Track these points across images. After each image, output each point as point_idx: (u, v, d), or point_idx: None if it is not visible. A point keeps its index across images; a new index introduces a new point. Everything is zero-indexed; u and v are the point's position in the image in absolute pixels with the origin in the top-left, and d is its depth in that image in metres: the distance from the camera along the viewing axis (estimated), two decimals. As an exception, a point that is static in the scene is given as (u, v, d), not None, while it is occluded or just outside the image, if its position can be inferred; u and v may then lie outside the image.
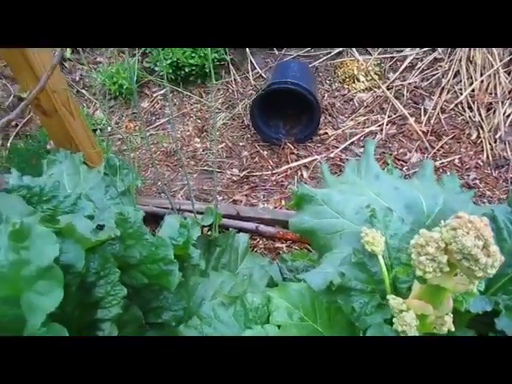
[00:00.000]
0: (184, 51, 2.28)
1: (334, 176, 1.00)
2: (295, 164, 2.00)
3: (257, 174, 2.00)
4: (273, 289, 0.91)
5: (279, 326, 0.84)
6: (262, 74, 2.43)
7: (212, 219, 1.20)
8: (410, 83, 2.28)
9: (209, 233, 1.42)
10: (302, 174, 1.96)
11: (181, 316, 0.94)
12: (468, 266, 0.50)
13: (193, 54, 2.29)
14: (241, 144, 2.16)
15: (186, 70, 2.31)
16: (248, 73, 2.44)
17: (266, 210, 1.61)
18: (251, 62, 2.47)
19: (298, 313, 0.87)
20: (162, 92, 2.42)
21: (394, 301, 0.64)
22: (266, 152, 2.10)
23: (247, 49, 2.46)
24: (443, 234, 0.51)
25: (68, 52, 2.61)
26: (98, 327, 0.73)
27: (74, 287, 0.69)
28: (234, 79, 2.43)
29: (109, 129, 2.33)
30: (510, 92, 2.13)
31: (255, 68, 2.45)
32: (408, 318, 0.61)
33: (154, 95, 2.42)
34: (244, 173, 2.01)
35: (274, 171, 2.00)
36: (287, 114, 2.21)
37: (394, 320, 0.63)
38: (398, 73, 2.33)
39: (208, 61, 2.32)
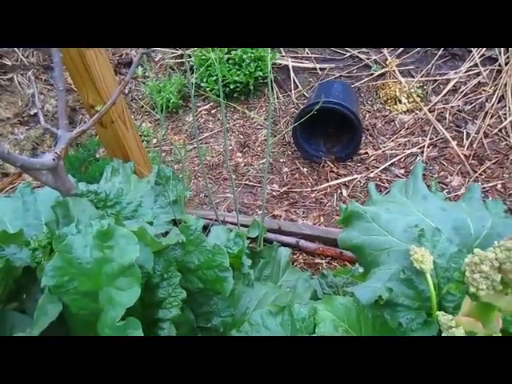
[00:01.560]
0: (230, 68, 2.38)
1: (380, 195, 1.04)
2: (335, 182, 2.05)
3: (296, 190, 2.05)
4: (319, 301, 0.96)
5: (325, 337, 0.88)
6: (305, 93, 2.49)
7: (258, 232, 1.25)
8: (452, 106, 2.29)
9: (251, 245, 1.47)
10: (341, 193, 2.00)
11: (228, 322, 0.99)
12: (522, 285, 0.53)
13: (238, 72, 2.38)
14: (281, 160, 2.22)
15: (231, 86, 2.41)
16: (290, 91, 2.51)
17: (306, 226, 1.66)
18: (294, 80, 2.54)
19: (344, 325, 0.91)
20: (206, 107, 2.52)
21: (443, 317, 0.67)
22: (306, 169, 2.16)
23: (290, 68, 2.53)
24: (497, 254, 0.55)
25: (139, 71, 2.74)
26: (159, 326, 0.79)
27: (141, 287, 0.76)
28: (277, 97, 2.50)
29: (154, 141, 2.44)
30: (555, 118, 2.12)
31: (298, 87, 2.52)
32: (457, 333, 0.64)
33: (199, 109, 2.52)
34: (284, 188, 2.06)
35: (313, 188, 2.04)
36: (328, 132, 2.26)
37: (442, 335, 0.66)
38: (440, 95, 2.35)
39: (252, 78, 2.41)
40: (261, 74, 2.42)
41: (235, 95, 2.46)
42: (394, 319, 0.81)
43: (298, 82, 2.54)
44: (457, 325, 0.66)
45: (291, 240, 1.58)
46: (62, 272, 0.66)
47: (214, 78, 2.40)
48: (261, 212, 1.95)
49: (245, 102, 2.49)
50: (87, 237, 0.66)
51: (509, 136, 2.12)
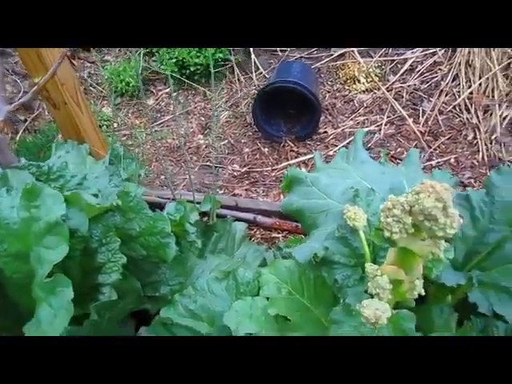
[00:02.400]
0: (189, 51, 2.37)
1: (324, 163, 1.07)
2: (295, 161, 2.07)
3: (257, 169, 2.07)
4: (264, 267, 0.98)
5: (268, 299, 0.90)
6: (266, 75, 2.50)
7: (210, 205, 1.26)
8: (409, 85, 2.34)
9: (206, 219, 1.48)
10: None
11: (177, 290, 1.01)
12: (429, 226, 0.56)
13: (198, 54, 2.37)
14: (243, 141, 2.23)
15: (191, 69, 2.39)
16: (252, 73, 2.51)
17: (263, 202, 1.68)
18: (255, 62, 2.54)
19: (287, 287, 0.93)
20: (167, 90, 2.50)
21: (370, 267, 0.70)
22: (266, 149, 2.17)
23: (251, 50, 2.53)
24: (408, 198, 0.57)
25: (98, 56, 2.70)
26: (100, 291, 0.80)
27: (79, 252, 0.76)
28: (238, 79, 2.50)
29: (115, 125, 2.41)
30: (507, 95, 2.19)
31: (259, 69, 2.53)
32: (381, 281, 0.67)
33: (160, 93, 2.51)
34: (245, 168, 2.08)
35: (274, 167, 2.06)
36: (288, 113, 2.28)
37: (368, 284, 0.69)
38: (398, 75, 2.39)
39: (212, 60, 2.40)
40: (221, 55, 2.42)
41: (196, 78, 2.45)
42: (331, 277, 0.84)
43: (259, 64, 2.55)
44: (381, 274, 0.69)
45: (248, 216, 1.59)
46: (-11, 233, 0.66)
47: (174, 60, 2.38)
48: (222, 192, 1.97)
49: (206, 84, 2.49)
50: (15, 198, 0.66)
51: (462, 113, 2.18)
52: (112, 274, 0.80)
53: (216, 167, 1.98)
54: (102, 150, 1.78)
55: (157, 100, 2.48)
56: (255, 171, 2.07)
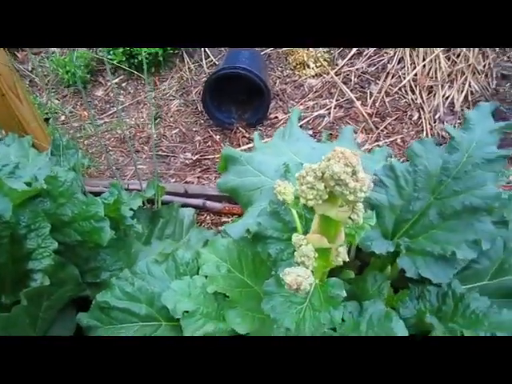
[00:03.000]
0: (137, 39, 2.32)
1: (262, 142, 1.08)
2: (246, 147, 2.08)
3: (209, 157, 2.07)
4: (203, 247, 0.99)
5: (207, 277, 0.91)
6: (216, 62, 2.49)
7: (153, 191, 1.26)
8: (357, 69, 2.39)
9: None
10: (252, 156, 2.04)
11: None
12: (341, 191, 0.58)
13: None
14: (194, 129, 2.22)
15: (140, 58, 2.35)
16: (202, 61, 2.50)
17: (213, 188, 1.68)
18: (205, 50, 2.53)
19: (226, 265, 0.94)
20: (116, 80, 2.46)
21: (296, 237, 0.72)
22: (218, 136, 2.17)
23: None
24: (320, 165, 0.59)
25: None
26: (31, 277, 0.78)
27: (6, 239, 0.75)
28: (189, 67, 2.48)
29: (63, 117, 2.35)
30: (449, 75, 2.26)
31: (209, 56, 2.52)
32: (306, 250, 0.69)
33: (108, 84, 2.45)
34: (197, 156, 2.07)
35: (225, 154, 2.07)
36: (239, 99, 2.28)
37: (295, 254, 0.71)
38: (346, 59, 2.43)
39: (161, 49, 2.37)
40: (169, 43, 2.38)
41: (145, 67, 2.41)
42: (265, 251, 0.85)
43: (209, 52, 2.53)
44: (307, 243, 0.71)
45: (198, 202, 1.60)
46: None
47: (121, 49, 2.34)
48: (174, 180, 1.95)
49: (156, 73, 2.46)
50: None
51: (407, 94, 2.25)
52: (43, 259, 0.78)
53: (169, 156, 1.96)
54: (46, 143, 1.73)
55: (106, 91, 2.43)
56: (207, 158, 2.07)
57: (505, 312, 0.81)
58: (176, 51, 2.47)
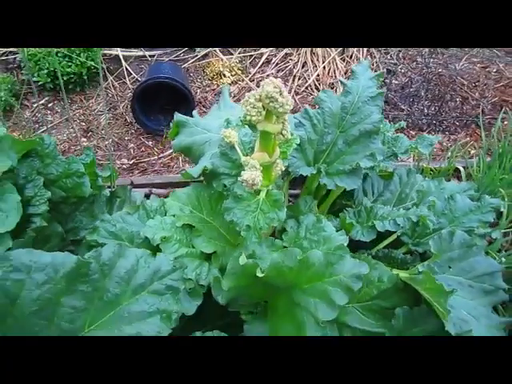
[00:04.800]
0: (60, 61, 2.50)
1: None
2: (178, 148, 2.33)
3: (145, 160, 2.29)
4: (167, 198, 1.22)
5: (174, 216, 1.15)
6: (138, 79, 2.73)
7: (109, 172, 1.45)
8: (268, 75, 2.76)
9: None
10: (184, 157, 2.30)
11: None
12: (273, 105, 0.87)
13: (69, 63, 2.52)
14: (126, 138, 2.42)
15: (65, 78, 2.53)
16: (125, 78, 2.73)
17: (156, 176, 1.90)
18: (126, 68, 2.76)
19: (188, 208, 1.19)
20: (42, 101, 2.60)
21: (244, 158, 0.99)
22: (150, 142, 2.40)
23: (121, 56, 2.75)
24: (259, 90, 0.88)
25: None
26: (31, 220, 0.97)
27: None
28: (113, 85, 2.70)
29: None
30: (345, 73, 2.71)
31: (131, 73, 2.75)
32: (252, 162, 0.96)
33: (35, 105, 2.59)
34: (133, 161, 2.28)
35: (159, 156, 2.30)
36: (165, 109, 2.54)
37: (243, 171, 0.97)
38: (257, 67, 2.80)
39: (85, 68, 2.57)
40: (93, 63, 2.59)
41: (70, 87, 2.59)
42: (219, 185, 1.11)
43: (130, 70, 2.77)
44: (252, 159, 0.98)
45: (144, 190, 1.80)
46: None
47: (45, 71, 2.50)
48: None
49: (81, 92, 2.64)
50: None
51: (313, 91, 2.65)
52: (40, 206, 0.97)
53: (104, 163, 2.15)
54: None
55: (33, 112, 2.56)
56: (143, 161, 2.28)
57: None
58: (98, 71, 2.68)
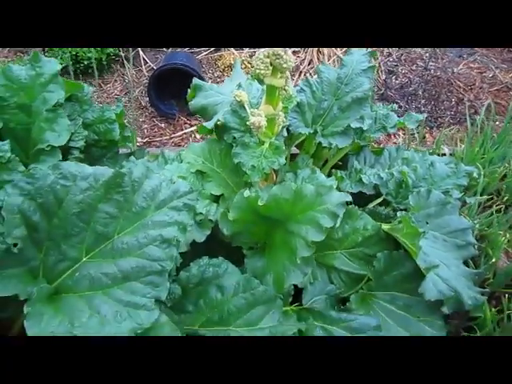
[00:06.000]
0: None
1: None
2: (189, 130, 2.55)
3: (157, 139, 2.50)
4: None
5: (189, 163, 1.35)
6: (154, 67, 2.96)
7: (130, 133, 1.66)
8: (275, 69, 2.98)
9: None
10: (195, 136, 2.51)
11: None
12: (279, 62, 1.07)
13: (90, 48, 2.75)
14: (141, 120, 2.64)
15: (85, 62, 2.76)
16: (141, 66, 2.96)
17: (170, 148, 2.12)
18: (143, 58, 2.99)
19: (200, 159, 1.39)
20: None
21: (251, 110, 1.19)
22: (163, 124, 2.62)
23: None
24: (265, 51, 1.08)
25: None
26: (71, 152, 1.17)
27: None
28: (129, 72, 2.92)
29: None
30: (348, 71, 2.93)
31: (147, 62, 2.98)
32: (258, 112, 1.16)
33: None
34: (146, 139, 2.49)
35: (171, 136, 2.51)
36: (178, 95, 2.75)
37: (249, 118, 1.17)
38: (266, 62, 3.02)
39: (104, 54, 2.80)
40: (112, 50, 2.82)
41: (90, 71, 2.82)
42: (229, 137, 1.32)
43: (147, 59, 3.00)
44: (260, 110, 1.18)
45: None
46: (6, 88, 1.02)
47: (68, 54, 2.72)
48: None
49: (100, 77, 2.86)
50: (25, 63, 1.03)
51: (318, 86, 2.87)
52: (78, 141, 1.17)
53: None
54: None
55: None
56: (155, 141, 2.49)
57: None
58: (117, 58, 2.91)
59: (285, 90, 1.15)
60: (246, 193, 1.15)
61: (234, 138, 1.31)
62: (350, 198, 1.08)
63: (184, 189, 1.06)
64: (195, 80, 1.44)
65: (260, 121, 1.11)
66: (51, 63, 1.04)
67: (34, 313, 0.90)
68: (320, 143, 1.34)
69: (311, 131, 1.34)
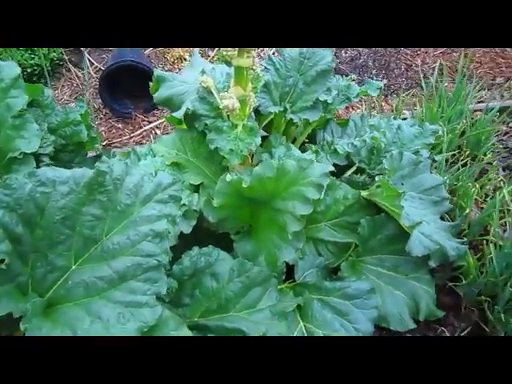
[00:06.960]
0: (22, 54, 2.61)
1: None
2: (148, 127, 2.50)
3: (117, 140, 2.44)
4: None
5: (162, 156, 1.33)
6: (101, 68, 2.87)
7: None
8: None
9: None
10: (156, 133, 2.46)
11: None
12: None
13: (32, 56, 2.63)
14: (97, 123, 2.56)
15: (29, 70, 2.64)
16: (88, 68, 2.86)
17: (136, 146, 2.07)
18: (88, 59, 2.90)
19: (173, 151, 1.37)
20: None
21: (222, 94, 1.18)
22: (120, 124, 2.55)
23: (82, 48, 2.88)
24: (230, 30, 1.07)
25: None
26: (41, 160, 1.13)
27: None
28: (76, 75, 2.82)
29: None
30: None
31: (93, 63, 2.89)
32: (228, 95, 1.16)
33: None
34: (105, 142, 2.43)
35: (131, 135, 2.46)
36: (131, 93, 2.69)
37: (221, 102, 1.17)
38: (215, 51, 3.00)
39: (48, 60, 2.69)
40: (55, 55, 2.71)
41: (34, 79, 2.70)
42: (201, 125, 1.31)
43: (93, 60, 2.91)
44: (230, 92, 1.18)
45: (123, 160, 1.97)
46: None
47: (9, 65, 2.60)
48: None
49: (46, 84, 2.75)
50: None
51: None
52: (47, 147, 1.13)
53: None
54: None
55: (-1, 105, 2.65)
56: (115, 142, 2.43)
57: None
58: (61, 62, 2.81)
59: (252, 69, 1.15)
60: (228, 177, 1.14)
61: (206, 124, 1.30)
62: (332, 168, 1.10)
63: (167, 180, 1.04)
64: (157, 72, 1.41)
65: (233, 103, 1.10)
66: (10, 67, 0.99)
67: (32, 328, 0.87)
68: (290, 120, 1.35)
69: (281, 109, 1.35)
